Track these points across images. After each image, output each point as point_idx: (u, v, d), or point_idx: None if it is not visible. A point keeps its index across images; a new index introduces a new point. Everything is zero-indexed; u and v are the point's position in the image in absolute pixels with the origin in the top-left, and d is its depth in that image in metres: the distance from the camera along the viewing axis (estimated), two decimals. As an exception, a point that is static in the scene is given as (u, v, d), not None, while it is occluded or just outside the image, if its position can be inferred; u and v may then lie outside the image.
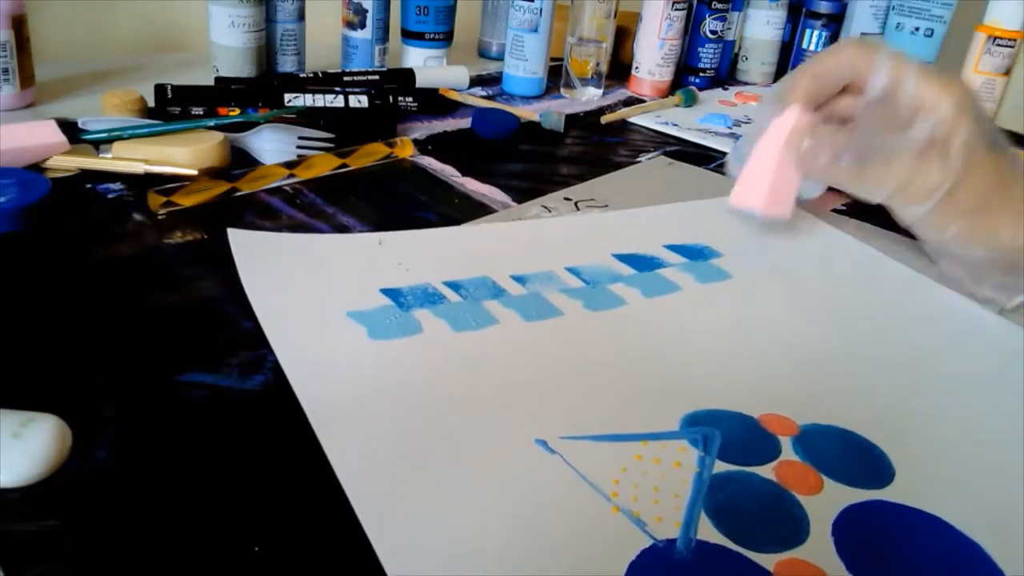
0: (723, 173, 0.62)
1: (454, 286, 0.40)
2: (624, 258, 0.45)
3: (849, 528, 0.28)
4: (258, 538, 0.25)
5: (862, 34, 0.85)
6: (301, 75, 0.68)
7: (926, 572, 0.27)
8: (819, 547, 0.27)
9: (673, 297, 0.42)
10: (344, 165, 0.55)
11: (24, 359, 0.33)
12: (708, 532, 0.27)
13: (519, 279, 0.42)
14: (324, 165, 0.54)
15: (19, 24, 0.57)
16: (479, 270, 0.42)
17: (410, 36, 0.78)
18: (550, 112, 0.69)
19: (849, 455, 0.32)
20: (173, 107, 0.57)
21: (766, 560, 0.26)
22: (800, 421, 0.33)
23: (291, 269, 0.40)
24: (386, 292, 0.39)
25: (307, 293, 0.38)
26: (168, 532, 0.25)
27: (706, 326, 0.40)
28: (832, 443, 0.32)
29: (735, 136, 0.71)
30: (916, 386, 0.37)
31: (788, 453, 0.31)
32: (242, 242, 0.42)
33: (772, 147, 0.45)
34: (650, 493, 0.28)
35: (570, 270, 0.44)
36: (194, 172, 0.48)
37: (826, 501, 0.29)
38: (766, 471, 0.30)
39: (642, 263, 0.45)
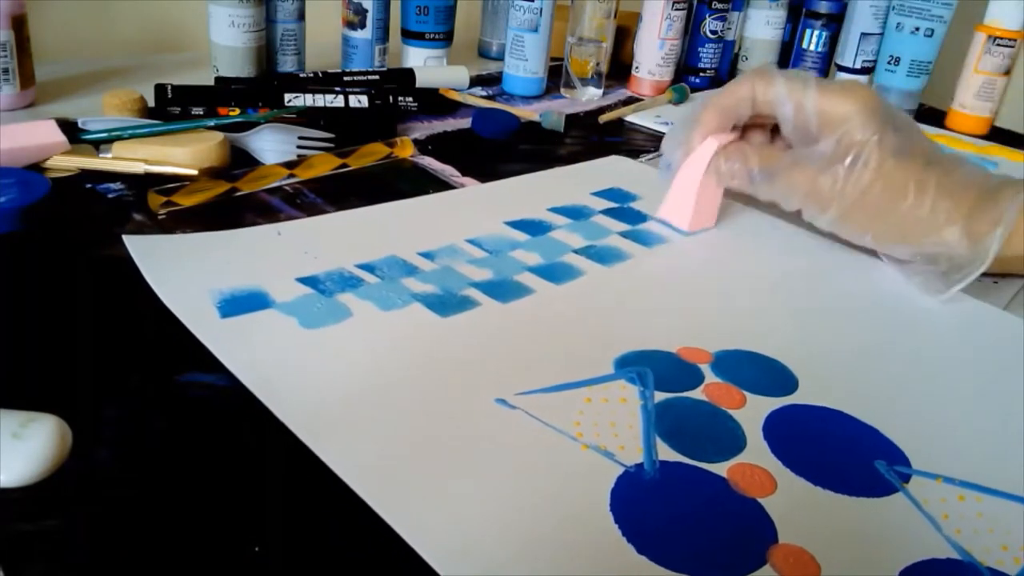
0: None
1: (368, 267, 0.42)
2: (515, 224, 0.49)
3: (775, 430, 0.33)
4: (258, 538, 0.25)
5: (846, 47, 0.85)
6: (301, 75, 0.68)
7: (841, 453, 0.32)
8: (757, 450, 0.32)
9: (566, 256, 0.46)
10: (344, 165, 0.55)
11: (24, 359, 0.33)
12: (666, 453, 0.31)
13: (427, 255, 0.44)
14: (324, 165, 0.54)
15: (19, 24, 0.57)
16: (386, 250, 0.44)
17: (410, 36, 0.78)
18: (550, 112, 0.69)
19: (759, 371, 0.37)
20: (173, 107, 0.57)
21: (719, 468, 0.30)
22: (712, 349, 0.38)
23: (199, 270, 0.39)
24: (304, 281, 0.40)
25: (225, 292, 0.38)
26: (168, 532, 0.25)
27: (610, 276, 0.44)
28: (743, 364, 0.37)
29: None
30: (807, 308, 0.43)
31: (710, 377, 0.36)
32: (142, 248, 0.40)
33: (692, 174, 0.50)
34: (608, 428, 0.32)
35: (471, 241, 0.46)
36: (194, 172, 0.48)
37: (751, 411, 0.34)
38: (697, 394, 0.35)
39: (533, 227, 0.49)
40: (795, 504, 0.29)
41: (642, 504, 0.28)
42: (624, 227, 0.50)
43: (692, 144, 0.49)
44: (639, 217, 0.52)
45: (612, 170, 0.60)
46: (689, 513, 0.28)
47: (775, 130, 0.50)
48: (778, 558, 0.26)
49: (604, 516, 0.27)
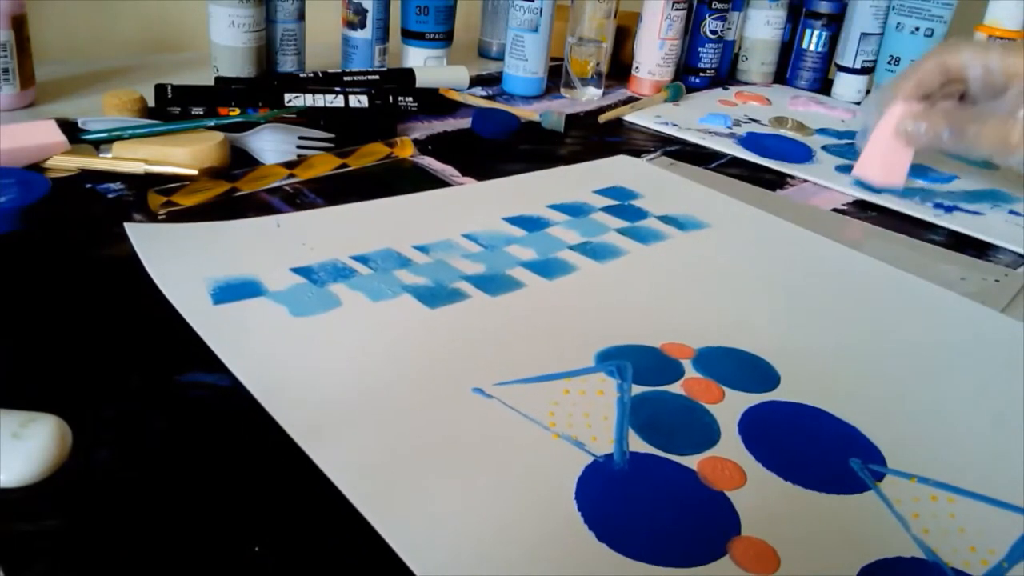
0: (722, 173, 0.63)
1: (362, 259, 0.42)
2: (514, 220, 0.49)
3: (751, 425, 0.33)
4: (258, 538, 0.26)
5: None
6: (301, 75, 0.68)
7: (816, 450, 0.32)
8: (730, 445, 0.32)
9: (561, 252, 0.46)
10: (344, 165, 0.55)
11: (24, 359, 0.33)
12: (638, 444, 0.31)
13: (422, 248, 0.44)
14: (324, 165, 0.54)
15: (19, 24, 0.57)
16: (382, 243, 0.44)
17: (410, 36, 0.78)
18: (550, 112, 0.69)
19: (740, 367, 0.37)
20: (173, 107, 0.57)
21: (689, 461, 0.31)
22: (696, 345, 0.38)
23: (196, 258, 0.40)
24: (297, 271, 0.40)
25: (219, 280, 0.38)
26: (168, 532, 0.25)
27: (602, 272, 0.45)
28: (725, 360, 0.38)
29: (734, 136, 0.71)
30: (795, 306, 0.43)
31: (691, 372, 0.36)
32: (142, 236, 0.41)
33: (885, 133, 0.58)
34: (582, 419, 0.32)
35: (467, 236, 0.46)
36: (194, 172, 0.48)
37: (729, 407, 0.34)
38: (676, 388, 0.35)
39: (530, 224, 0.49)
40: (763, 498, 0.29)
41: (608, 493, 0.28)
42: (623, 224, 0.51)
43: (885, 111, 0.57)
44: (640, 214, 0.52)
45: (617, 169, 0.60)
46: (654, 503, 0.28)
47: (960, 98, 0.57)
48: (738, 550, 0.27)
49: (569, 503, 0.28)
